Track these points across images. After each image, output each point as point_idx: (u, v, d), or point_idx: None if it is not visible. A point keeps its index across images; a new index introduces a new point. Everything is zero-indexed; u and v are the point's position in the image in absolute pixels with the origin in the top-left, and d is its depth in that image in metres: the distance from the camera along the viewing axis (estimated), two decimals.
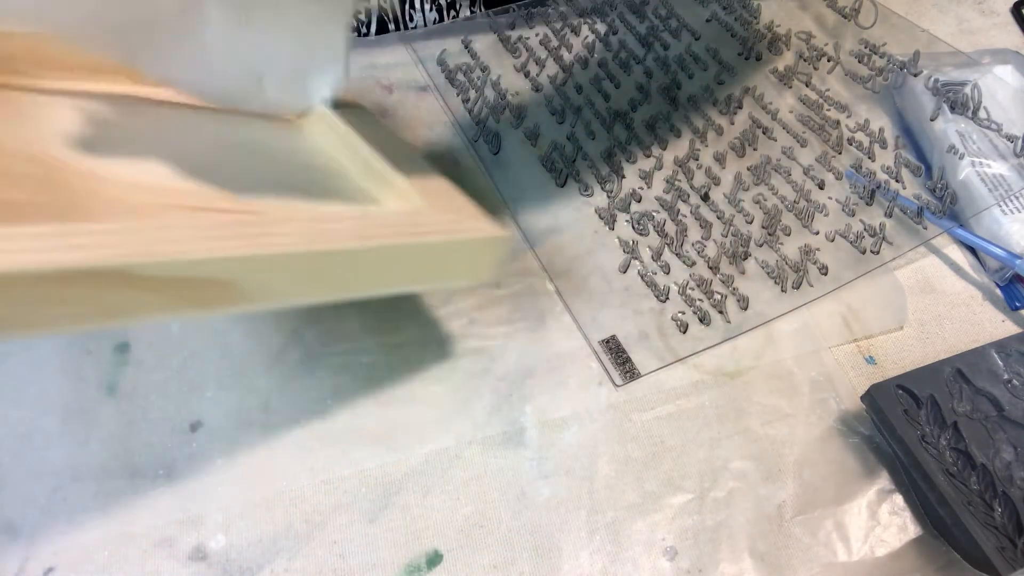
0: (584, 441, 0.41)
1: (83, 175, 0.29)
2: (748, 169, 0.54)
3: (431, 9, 0.61)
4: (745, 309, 0.47)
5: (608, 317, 0.46)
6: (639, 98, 0.58)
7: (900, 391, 0.42)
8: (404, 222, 0.34)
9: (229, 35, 0.37)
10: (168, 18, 0.35)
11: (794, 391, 0.44)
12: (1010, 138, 0.54)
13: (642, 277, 0.48)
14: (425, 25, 0.62)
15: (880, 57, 0.62)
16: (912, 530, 0.40)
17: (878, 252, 0.50)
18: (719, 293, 0.47)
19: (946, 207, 0.51)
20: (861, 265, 0.49)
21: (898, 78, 0.59)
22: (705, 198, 0.52)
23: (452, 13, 0.63)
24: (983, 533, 0.37)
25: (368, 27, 0.61)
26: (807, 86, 0.60)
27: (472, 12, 0.63)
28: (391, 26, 0.61)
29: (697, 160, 0.54)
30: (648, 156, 0.54)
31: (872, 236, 0.51)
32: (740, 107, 0.58)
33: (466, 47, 0.59)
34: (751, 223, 0.51)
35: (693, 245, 0.49)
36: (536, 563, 0.38)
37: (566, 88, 0.58)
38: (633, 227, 0.50)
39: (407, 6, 0.60)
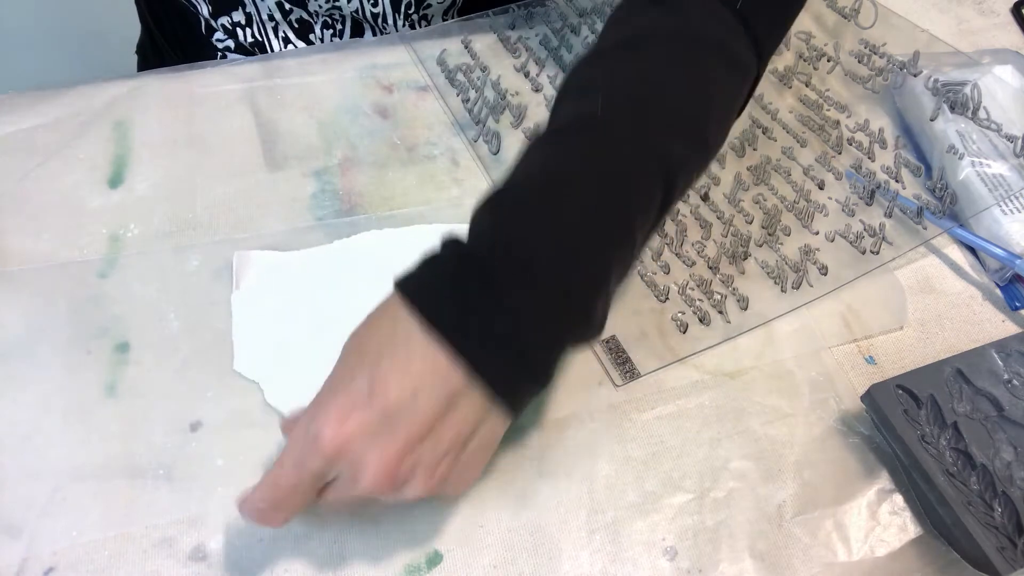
0: (584, 441, 0.41)
1: None
2: (748, 169, 0.54)
3: (404, 24, 0.61)
4: (745, 309, 0.47)
5: (608, 317, 0.46)
6: None
7: (900, 391, 0.42)
8: None
9: None
10: None
11: (794, 391, 0.44)
12: (1010, 138, 0.54)
13: (642, 277, 0.48)
14: (397, 31, 0.62)
15: (880, 57, 0.62)
16: (912, 530, 0.40)
17: (878, 252, 0.50)
18: (719, 293, 0.47)
19: (946, 207, 0.51)
20: (861, 265, 0.49)
21: (898, 78, 0.59)
22: (705, 198, 0.52)
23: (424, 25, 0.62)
24: (983, 533, 0.37)
25: (342, 34, 0.61)
26: (807, 86, 0.60)
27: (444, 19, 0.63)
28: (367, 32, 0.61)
29: None
30: None
31: (872, 236, 0.51)
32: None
33: (466, 47, 0.59)
34: (751, 223, 0.51)
35: (693, 245, 0.49)
36: (536, 563, 0.38)
37: None
38: None
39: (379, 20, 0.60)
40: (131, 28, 0.72)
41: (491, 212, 0.34)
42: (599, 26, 0.62)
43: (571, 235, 0.33)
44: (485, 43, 0.60)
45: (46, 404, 0.40)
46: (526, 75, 0.58)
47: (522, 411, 0.34)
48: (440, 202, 0.50)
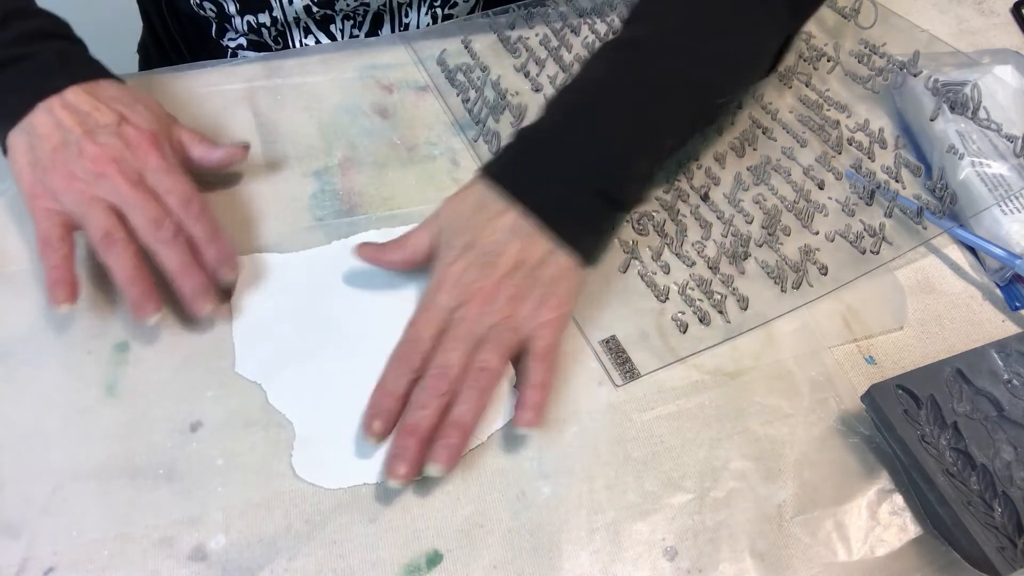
0: (584, 441, 0.41)
1: None
2: (748, 169, 0.54)
3: (426, 13, 0.62)
4: (745, 309, 0.47)
5: (608, 317, 0.46)
6: None
7: (900, 391, 0.42)
8: None
9: None
10: None
11: (794, 391, 0.44)
12: (1010, 138, 0.54)
13: (642, 277, 0.48)
14: (419, 27, 0.62)
15: (880, 57, 0.62)
16: (912, 530, 0.40)
17: (878, 252, 0.50)
18: (719, 293, 0.47)
19: (946, 207, 0.51)
20: (861, 265, 0.49)
21: (898, 78, 0.59)
22: (705, 198, 0.52)
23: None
24: (983, 533, 0.37)
25: (362, 26, 0.61)
26: (807, 86, 0.60)
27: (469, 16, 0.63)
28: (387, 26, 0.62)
29: (697, 160, 0.54)
30: None
31: (872, 236, 0.51)
32: (740, 107, 0.58)
33: (466, 47, 0.59)
34: (751, 223, 0.51)
35: (693, 245, 0.49)
36: (536, 563, 0.38)
37: None
38: (633, 227, 0.50)
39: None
40: (132, 27, 0.72)
41: (548, 105, 0.47)
42: (599, 26, 0.62)
43: (609, 120, 0.44)
44: (485, 43, 0.60)
45: (46, 404, 0.40)
46: (526, 75, 0.58)
47: (579, 248, 0.43)
48: (440, 202, 0.50)
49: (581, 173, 0.43)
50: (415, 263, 0.44)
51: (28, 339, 0.42)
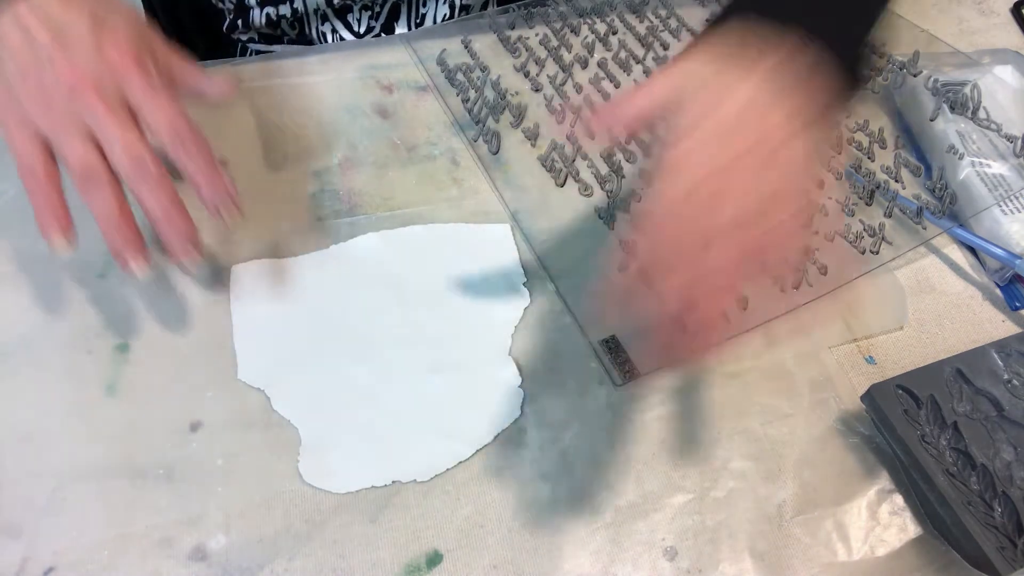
0: (584, 441, 0.41)
1: None
2: None
3: (444, 3, 0.62)
4: (744, 309, 0.47)
5: (608, 317, 0.46)
6: None
7: (900, 391, 0.42)
8: None
9: None
10: None
11: (794, 391, 0.44)
12: (1010, 138, 0.54)
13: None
14: (435, 21, 0.62)
15: (880, 57, 0.62)
16: (912, 530, 0.40)
17: (878, 252, 0.50)
18: None
19: (946, 207, 0.51)
20: (861, 265, 0.49)
21: (898, 78, 0.59)
22: None
23: (463, 14, 0.63)
24: (983, 533, 0.37)
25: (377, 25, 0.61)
26: None
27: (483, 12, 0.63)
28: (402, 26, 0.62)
29: None
30: (648, 155, 0.54)
31: (872, 236, 0.51)
32: None
33: (466, 47, 0.59)
34: None
35: None
36: (536, 563, 0.38)
37: (566, 88, 0.58)
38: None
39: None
40: None
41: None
42: (599, 26, 0.62)
43: None
44: (485, 43, 0.60)
45: (46, 404, 0.40)
46: (526, 75, 0.58)
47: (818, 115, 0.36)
48: (440, 202, 0.50)
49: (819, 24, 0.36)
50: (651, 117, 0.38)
51: (28, 339, 0.42)
